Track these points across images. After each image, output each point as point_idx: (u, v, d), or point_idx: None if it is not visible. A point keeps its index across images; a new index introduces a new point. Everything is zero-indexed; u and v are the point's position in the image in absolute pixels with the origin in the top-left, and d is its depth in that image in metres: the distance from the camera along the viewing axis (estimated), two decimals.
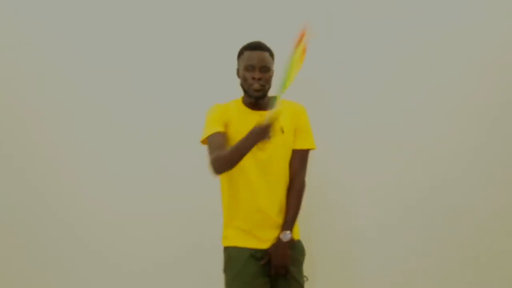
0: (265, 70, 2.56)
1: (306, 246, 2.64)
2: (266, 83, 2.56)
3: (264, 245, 2.55)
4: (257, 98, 2.56)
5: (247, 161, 2.50)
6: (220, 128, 2.55)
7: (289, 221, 2.57)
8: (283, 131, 2.58)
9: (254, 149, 2.45)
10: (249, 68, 2.55)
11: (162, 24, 3.24)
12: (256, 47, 2.58)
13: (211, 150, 2.51)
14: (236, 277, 2.51)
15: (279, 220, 2.57)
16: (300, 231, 2.64)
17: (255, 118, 2.52)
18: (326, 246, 3.18)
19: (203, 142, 2.58)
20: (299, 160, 2.64)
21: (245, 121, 2.55)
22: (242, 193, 2.57)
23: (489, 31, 3.18)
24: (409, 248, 3.19)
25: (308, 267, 2.68)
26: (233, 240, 2.57)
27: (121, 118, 3.24)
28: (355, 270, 3.20)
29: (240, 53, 2.62)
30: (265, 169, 2.56)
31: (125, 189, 3.23)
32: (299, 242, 2.63)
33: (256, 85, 2.53)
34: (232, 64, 2.64)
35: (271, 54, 2.61)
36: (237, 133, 2.52)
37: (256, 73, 2.54)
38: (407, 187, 3.20)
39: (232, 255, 2.56)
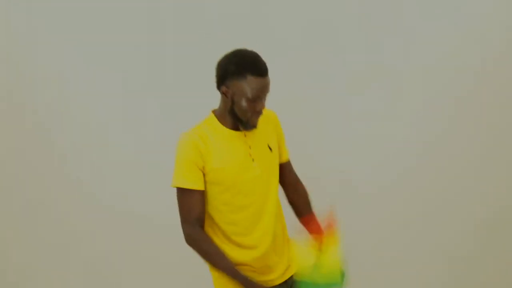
0: (266, 96, 2.08)
1: None
2: None
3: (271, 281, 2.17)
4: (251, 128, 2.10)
5: (239, 196, 2.10)
6: (192, 182, 2.05)
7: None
8: (270, 149, 2.18)
9: (247, 182, 2.10)
10: (255, 99, 2.03)
11: (161, 34, 3.24)
12: (263, 72, 2.02)
13: (182, 213, 2.08)
14: None
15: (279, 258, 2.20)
16: None
17: (241, 139, 2.12)
18: None
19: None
20: (292, 170, 2.33)
21: (231, 147, 2.10)
22: (236, 234, 2.13)
23: (489, 31, 3.19)
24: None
25: None
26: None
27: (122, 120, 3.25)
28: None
29: (239, 74, 2.02)
30: (261, 202, 2.14)
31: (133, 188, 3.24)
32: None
33: (257, 116, 2.08)
34: None
35: None
36: (226, 161, 2.07)
37: (261, 104, 2.06)
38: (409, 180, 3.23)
39: None
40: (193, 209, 2.07)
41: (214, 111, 2.16)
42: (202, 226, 2.10)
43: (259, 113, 2.07)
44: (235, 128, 2.12)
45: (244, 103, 2.03)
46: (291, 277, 2.22)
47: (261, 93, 2.03)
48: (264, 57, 2.08)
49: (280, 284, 2.21)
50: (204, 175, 2.08)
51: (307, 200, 2.34)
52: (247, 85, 2.01)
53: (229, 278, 2.09)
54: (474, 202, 3.20)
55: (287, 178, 2.31)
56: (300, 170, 2.40)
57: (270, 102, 2.37)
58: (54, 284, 3.27)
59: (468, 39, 3.16)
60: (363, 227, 3.21)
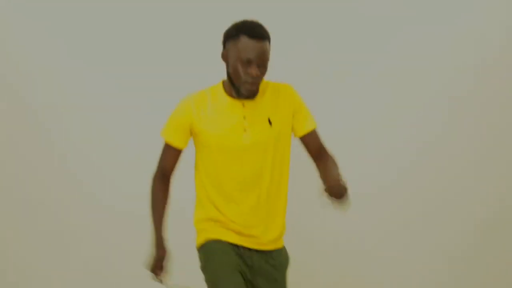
0: (264, 65, 2.05)
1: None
2: (261, 80, 2.07)
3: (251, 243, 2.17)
4: (247, 97, 2.11)
5: (226, 163, 2.14)
6: (175, 140, 2.17)
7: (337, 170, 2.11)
8: (270, 123, 2.14)
9: (235, 150, 2.12)
10: (244, 61, 2.03)
11: (162, 35, 3.23)
12: (258, 35, 2.03)
13: (159, 161, 2.23)
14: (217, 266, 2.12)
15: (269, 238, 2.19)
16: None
17: (238, 108, 2.13)
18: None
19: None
20: (316, 140, 2.23)
21: (225, 113, 2.13)
22: (222, 206, 2.17)
23: (489, 31, 3.19)
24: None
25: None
26: (212, 233, 2.18)
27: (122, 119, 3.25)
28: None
29: (234, 35, 2.06)
30: (252, 175, 2.14)
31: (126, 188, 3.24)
32: (283, 249, 2.26)
33: (250, 83, 2.05)
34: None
35: (270, 42, 2.09)
36: (216, 127, 2.12)
37: (253, 68, 2.03)
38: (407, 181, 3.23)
39: (212, 247, 2.16)
40: (162, 160, 2.23)
41: (224, 80, 2.20)
42: (164, 177, 2.23)
43: (253, 80, 2.05)
44: (236, 97, 2.14)
45: (236, 64, 2.05)
46: (277, 251, 2.23)
47: (253, 56, 2.02)
48: None
49: (260, 252, 2.20)
50: (195, 136, 2.18)
51: (331, 163, 2.20)
52: (240, 45, 2.03)
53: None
54: (474, 202, 3.20)
55: (310, 147, 2.24)
56: (299, 171, 2.40)
57: None
58: (54, 284, 3.26)
59: (468, 39, 3.16)
60: (363, 227, 3.21)
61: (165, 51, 3.22)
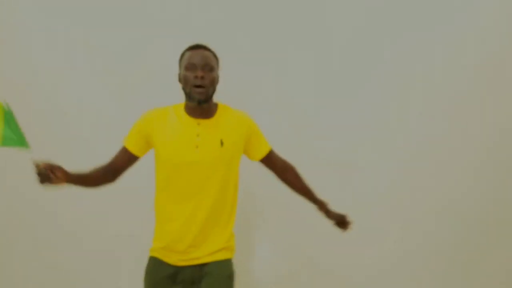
0: (209, 69, 2.27)
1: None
2: (210, 85, 2.26)
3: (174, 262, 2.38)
4: (199, 102, 2.26)
5: (176, 176, 2.31)
6: (130, 143, 2.37)
7: (316, 195, 2.53)
8: (222, 144, 2.31)
9: (185, 165, 2.28)
10: (189, 67, 2.26)
11: (162, 36, 3.24)
12: (197, 46, 2.32)
13: (112, 157, 2.42)
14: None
15: (195, 249, 2.36)
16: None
17: (192, 126, 2.31)
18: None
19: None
20: (276, 158, 2.50)
21: (180, 129, 2.30)
22: (167, 211, 2.35)
23: (489, 32, 3.20)
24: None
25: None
26: (153, 250, 2.44)
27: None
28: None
29: (181, 56, 2.34)
30: (197, 188, 2.30)
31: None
32: (225, 262, 2.38)
33: (199, 84, 2.24)
34: None
35: (215, 57, 2.34)
36: (169, 141, 2.30)
37: (198, 71, 2.25)
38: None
39: (149, 267, 2.44)
40: (114, 157, 2.40)
41: (186, 100, 2.37)
42: (109, 168, 2.39)
43: (201, 82, 2.23)
44: (194, 116, 2.31)
45: (184, 73, 2.26)
46: (213, 262, 2.35)
47: (195, 60, 2.25)
48: (258, 57, 2.56)
49: (194, 265, 2.35)
50: (154, 148, 2.34)
51: (297, 174, 2.52)
52: (185, 57, 2.29)
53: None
54: (474, 202, 3.21)
55: (274, 165, 2.50)
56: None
57: (270, 103, 2.38)
58: (54, 284, 3.27)
59: (468, 40, 3.18)
60: (363, 227, 3.22)
61: (167, 51, 3.22)
